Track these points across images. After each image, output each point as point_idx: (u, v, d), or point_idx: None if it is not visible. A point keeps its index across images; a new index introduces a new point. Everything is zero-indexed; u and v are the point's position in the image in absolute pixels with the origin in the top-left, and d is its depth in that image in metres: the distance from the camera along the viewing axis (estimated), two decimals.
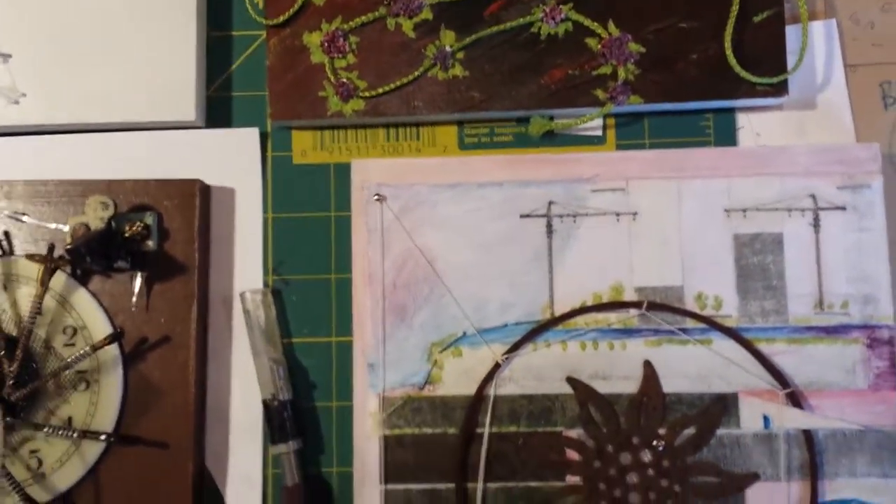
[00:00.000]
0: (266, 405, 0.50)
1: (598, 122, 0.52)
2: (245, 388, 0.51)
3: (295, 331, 0.52)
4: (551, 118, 0.52)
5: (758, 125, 0.52)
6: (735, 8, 0.49)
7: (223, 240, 0.53)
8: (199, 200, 0.52)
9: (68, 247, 0.47)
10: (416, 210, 0.51)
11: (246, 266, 0.53)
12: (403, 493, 0.48)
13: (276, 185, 0.54)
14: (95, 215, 0.51)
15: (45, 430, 0.49)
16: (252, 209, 0.54)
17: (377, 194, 0.51)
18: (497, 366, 0.49)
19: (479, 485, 0.48)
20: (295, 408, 0.51)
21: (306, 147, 0.54)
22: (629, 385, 0.49)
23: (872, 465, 0.47)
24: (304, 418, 0.51)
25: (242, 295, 0.51)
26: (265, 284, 0.53)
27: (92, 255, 0.49)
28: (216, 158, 0.54)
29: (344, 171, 0.53)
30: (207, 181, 0.53)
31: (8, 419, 0.48)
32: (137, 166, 0.53)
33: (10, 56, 0.53)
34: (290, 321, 0.53)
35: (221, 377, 0.52)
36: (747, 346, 0.48)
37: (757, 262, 0.49)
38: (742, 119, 0.52)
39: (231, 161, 0.54)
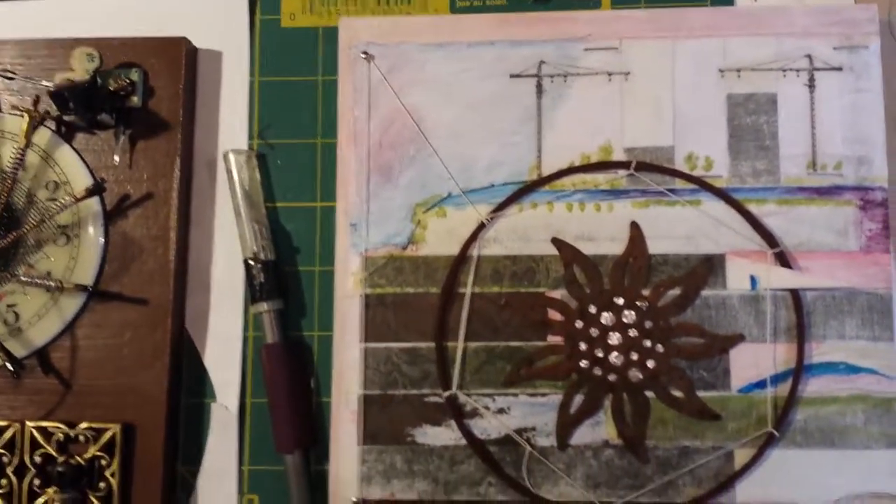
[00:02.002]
0: (247, 264, 0.50)
1: None
2: (227, 250, 0.51)
3: (279, 195, 0.52)
4: None
5: None
6: None
7: (209, 102, 0.53)
8: (185, 59, 0.51)
9: (51, 89, 0.47)
10: (404, 70, 0.50)
11: (231, 129, 0.52)
12: (384, 352, 0.48)
13: (265, 49, 0.53)
14: (82, 67, 0.50)
15: (24, 278, 0.48)
16: (239, 72, 0.53)
17: (364, 52, 0.50)
18: (482, 226, 0.48)
19: (460, 343, 0.47)
20: (278, 271, 0.50)
21: (295, 10, 0.53)
22: (615, 246, 0.48)
23: (862, 327, 0.46)
24: (287, 282, 0.51)
25: (226, 155, 0.51)
26: (250, 148, 0.52)
27: (76, 103, 0.48)
28: (204, 21, 0.53)
29: (333, 34, 0.52)
30: (196, 44, 0.52)
31: None
32: (126, 28, 0.52)
33: None
34: (274, 185, 0.52)
35: (204, 238, 0.51)
36: (737, 206, 0.47)
37: (750, 122, 0.48)
38: None
39: (219, 24, 0.53)
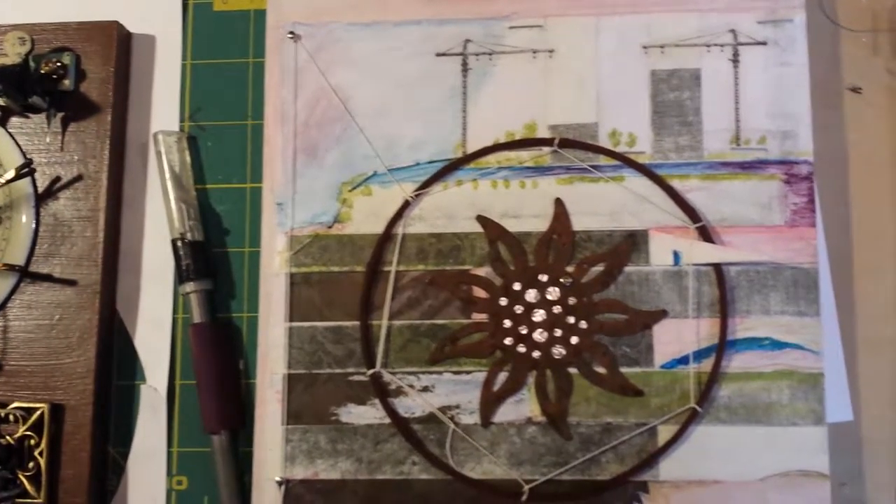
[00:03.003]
0: (174, 245, 0.49)
1: None
2: (159, 232, 0.51)
3: (210, 177, 0.52)
4: None
5: None
6: None
7: (142, 86, 0.53)
8: (116, 43, 0.51)
9: None
10: (331, 49, 0.50)
11: (164, 112, 0.53)
12: (308, 331, 0.48)
13: (197, 32, 0.53)
14: (13, 51, 0.50)
15: None
16: (171, 56, 0.53)
17: (291, 33, 0.50)
18: (406, 204, 0.48)
19: (384, 322, 0.47)
20: (206, 252, 0.50)
21: None
22: (539, 223, 0.47)
23: (787, 302, 0.46)
24: (217, 263, 0.51)
25: (155, 136, 0.51)
26: (181, 130, 0.52)
27: (7, 87, 0.48)
28: (139, 6, 0.53)
29: (264, 17, 0.52)
30: (130, 29, 0.53)
31: None
32: (61, 14, 0.53)
33: None
34: (205, 167, 0.52)
35: (135, 220, 0.52)
36: (660, 182, 0.47)
37: (673, 98, 0.48)
38: None
39: (153, 9, 0.53)
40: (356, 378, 0.47)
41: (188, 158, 0.52)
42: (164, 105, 0.53)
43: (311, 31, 0.50)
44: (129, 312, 0.51)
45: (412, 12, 0.49)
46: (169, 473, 0.49)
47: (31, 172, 0.49)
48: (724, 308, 0.45)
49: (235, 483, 0.48)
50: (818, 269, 0.46)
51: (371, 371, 0.47)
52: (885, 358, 0.46)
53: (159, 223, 0.51)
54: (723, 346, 0.45)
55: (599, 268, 0.47)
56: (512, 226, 0.48)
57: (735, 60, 0.48)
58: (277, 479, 0.47)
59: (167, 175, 0.50)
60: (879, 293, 0.47)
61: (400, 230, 0.48)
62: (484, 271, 0.47)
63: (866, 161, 0.48)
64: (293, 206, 0.49)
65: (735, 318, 0.46)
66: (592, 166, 0.47)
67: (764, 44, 0.47)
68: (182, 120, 0.53)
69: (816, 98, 0.48)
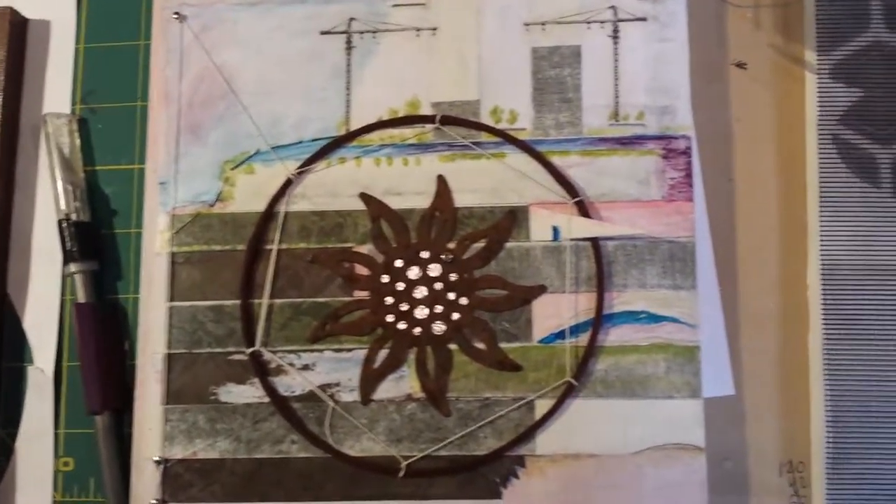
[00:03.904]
0: (60, 225, 0.49)
1: None
2: (49, 215, 0.51)
3: (100, 158, 0.52)
4: None
5: None
6: None
7: (37, 70, 0.53)
8: (9, 28, 0.51)
9: None
10: (216, 29, 0.50)
11: (56, 95, 0.52)
12: (189, 310, 0.47)
13: (92, 16, 0.53)
14: None
15: None
16: (66, 40, 0.53)
17: (176, 13, 0.50)
18: (289, 182, 0.48)
19: (265, 300, 0.47)
20: (92, 232, 0.50)
21: None
22: (422, 200, 0.47)
23: (664, 276, 0.45)
24: (105, 244, 0.51)
25: (44, 118, 0.51)
26: (73, 113, 0.52)
27: None
28: None
29: None
30: (26, 15, 0.53)
31: None
32: None
33: None
34: (95, 149, 0.52)
35: (27, 202, 0.51)
36: (540, 158, 0.47)
37: (554, 75, 0.48)
38: None
39: None
40: (236, 357, 0.47)
41: (77, 141, 0.51)
42: (57, 88, 0.53)
43: (197, 11, 0.50)
44: (18, 294, 0.50)
45: None
46: (56, 455, 0.49)
47: None
48: (600, 282, 0.45)
49: (118, 463, 0.47)
50: (695, 243, 0.46)
51: (250, 350, 0.47)
52: (768, 333, 0.46)
53: (50, 205, 0.51)
54: (599, 320, 0.45)
55: (481, 244, 0.47)
56: (395, 203, 0.47)
57: (615, 37, 0.48)
58: (156, 458, 0.46)
59: (55, 156, 0.50)
60: (762, 268, 0.47)
61: (282, 208, 0.48)
62: (366, 249, 0.47)
63: (751, 136, 0.48)
64: (176, 185, 0.48)
65: (612, 292, 0.45)
66: (474, 143, 0.47)
67: (644, 20, 0.48)
68: (74, 103, 0.52)
69: (701, 74, 0.48)
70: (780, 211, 0.47)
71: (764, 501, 0.45)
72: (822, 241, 0.45)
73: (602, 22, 0.48)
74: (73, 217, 0.49)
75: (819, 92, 0.46)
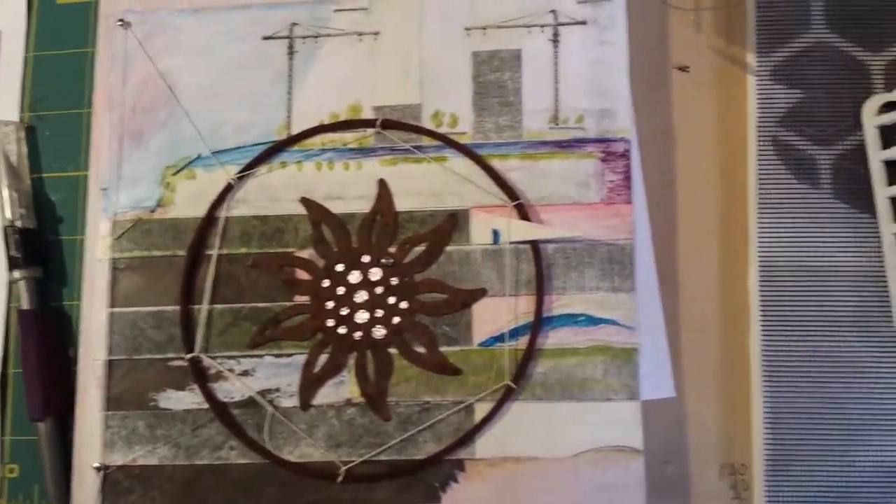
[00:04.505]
0: (4, 232, 0.49)
1: None
2: None
3: (47, 166, 0.52)
4: None
5: None
6: None
7: None
8: None
9: None
10: (160, 36, 0.50)
11: (5, 104, 0.53)
12: (130, 316, 0.47)
13: (41, 25, 0.53)
14: None
15: None
16: (15, 49, 0.53)
17: (121, 20, 0.50)
18: (230, 187, 0.48)
19: (205, 305, 0.47)
20: (36, 239, 0.50)
21: None
22: (364, 204, 0.47)
23: (602, 279, 0.45)
24: (51, 251, 0.50)
25: None
26: (22, 121, 0.52)
27: None
28: None
29: None
30: None
31: None
32: None
33: None
34: (43, 156, 0.52)
35: None
36: (480, 162, 0.47)
37: (494, 79, 0.48)
38: None
39: None
40: (176, 363, 0.47)
41: (25, 148, 0.51)
42: (5, 96, 0.53)
43: (141, 18, 0.50)
44: None
45: None
46: (2, 461, 0.49)
47: None
48: (540, 285, 0.45)
49: (61, 470, 0.47)
50: (634, 246, 0.45)
51: (190, 356, 0.46)
52: (709, 335, 0.46)
53: None
54: (538, 323, 0.45)
55: (421, 248, 0.47)
56: (336, 207, 0.47)
57: (555, 41, 0.48)
58: (96, 465, 0.46)
59: (1, 164, 0.50)
60: (704, 270, 0.47)
61: (223, 213, 0.48)
62: (307, 253, 0.47)
63: (693, 139, 0.48)
64: (118, 191, 0.48)
65: (552, 295, 0.45)
66: (415, 147, 0.47)
67: (584, 23, 0.48)
68: (23, 110, 0.52)
69: (644, 77, 0.48)
70: (722, 213, 0.47)
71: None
72: (760, 242, 0.45)
73: (542, 26, 0.48)
74: (19, 224, 0.49)
75: (759, 94, 0.46)
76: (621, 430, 0.44)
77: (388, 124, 0.48)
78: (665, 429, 0.45)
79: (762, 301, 0.44)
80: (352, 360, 0.46)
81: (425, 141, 0.48)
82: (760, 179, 0.45)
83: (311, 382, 0.46)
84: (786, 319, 0.44)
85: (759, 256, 0.45)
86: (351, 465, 0.45)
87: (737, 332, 0.45)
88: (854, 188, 0.45)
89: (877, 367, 0.43)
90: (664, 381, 0.46)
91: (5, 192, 0.50)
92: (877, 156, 0.44)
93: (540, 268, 0.45)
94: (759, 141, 0.46)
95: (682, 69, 0.49)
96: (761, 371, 0.44)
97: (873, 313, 0.43)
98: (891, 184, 0.44)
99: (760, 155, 0.46)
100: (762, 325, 0.44)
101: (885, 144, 0.44)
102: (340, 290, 0.47)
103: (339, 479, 0.45)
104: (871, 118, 0.45)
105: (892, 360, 0.43)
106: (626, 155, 0.46)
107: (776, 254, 0.45)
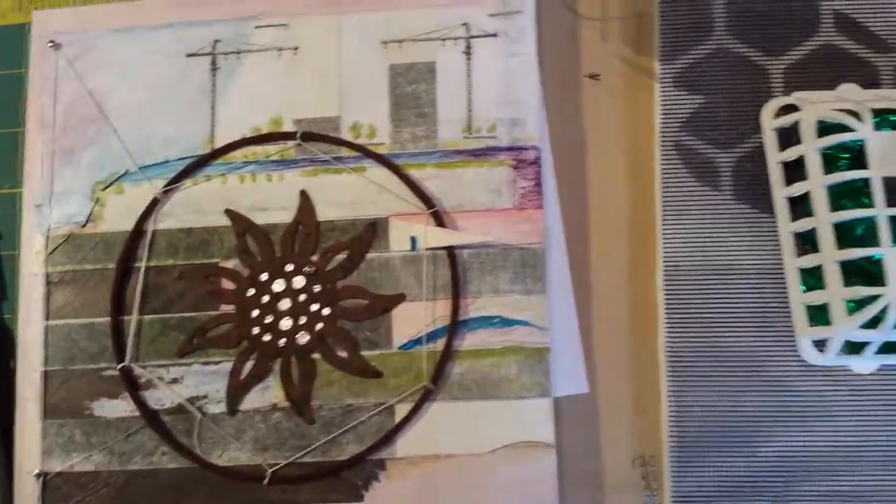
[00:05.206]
0: None
1: None
2: None
3: None
4: None
5: None
6: None
7: None
8: None
9: None
10: (90, 56, 0.51)
11: None
12: (64, 328, 0.49)
13: None
14: None
15: None
16: None
17: (52, 42, 0.51)
18: (156, 201, 0.49)
19: (134, 316, 0.48)
20: None
21: (6, 9, 0.55)
22: (286, 215, 0.49)
23: (515, 282, 0.47)
24: None
25: None
26: None
27: None
28: None
29: None
30: None
31: None
32: None
33: None
34: None
35: None
36: (398, 171, 0.49)
37: (410, 90, 0.49)
38: None
39: None
40: (108, 373, 0.48)
41: None
42: None
43: (71, 39, 0.52)
44: None
45: (165, 16, 0.51)
46: None
47: None
48: (456, 289, 0.47)
49: (4, 478, 0.49)
50: (545, 249, 0.47)
51: (121, 365, 0.48)
52: (621, 333, 0.48)
53: None
54: (455, 325, 0.47)
55: (343, 255, 0.48)
56: (259, 218, 0.49)
57: (468, 53, 0.49)
58: (35, 472, 0.48)
59: None
60: (615, 271, 0.49)
61: (150, 226, 0.49)
62: (232, 263, 0.49)
63: (604, 145, 0.50)
64: (50, 207, 0.50)
65: (467, 298, 0.47)
66: (335, 158, 0.49)
67: (495, 35, 0.49)
68: None
69: (555, 86, 0.50)
70: (631, 216, 0.49)
71: (618, 495, 0.46)
72: (665, 243, 0.47)
73: (455, 39, 0.50)
74: None
75: (662, 100, 0.48)
76: (534, 427, 0.46)
77: (308, 137, 0.49)
78: (580, 424, 0.47)
79: (667, 299, 0.46)
80: (277, 367, 0.48)
81: (345, 152, 0.49)
82: (664, 183, 0.47)
83: (237, 389, 0.48)
84: (689, 316, 0.46)
85: (664, 257, 0.47)
86: (277, 467, 0.47)
87: (646, 330, 0.47)
88: (753, 189, 0.47)
89: (776, 361, 0.45)
90: (578, 378, 0.47)
91: None
92: (775, 157, 0.46)
93: (455, 272, 0.47)
94: (663, 146, 0.48)
95: (593, 77, 0.51)
96: (666, 365, 0.46)
97: (772, 309, 0.45)
98: (788, 184, 0.46)
99: (664, 159, 0.47)
100: (667, 323, 0.46)
101: (783, 146, 0.46)
102: (265, 299, 0.48)
103: (266, 481, 0.46)
104: (770, 121, 0.47)
105: (790, 354, 0.45)
106: (536, 162, 0.48)
107: (680, 254, 0.47)
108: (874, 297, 0.41)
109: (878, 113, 0.44)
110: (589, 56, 0.51)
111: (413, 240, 0.48)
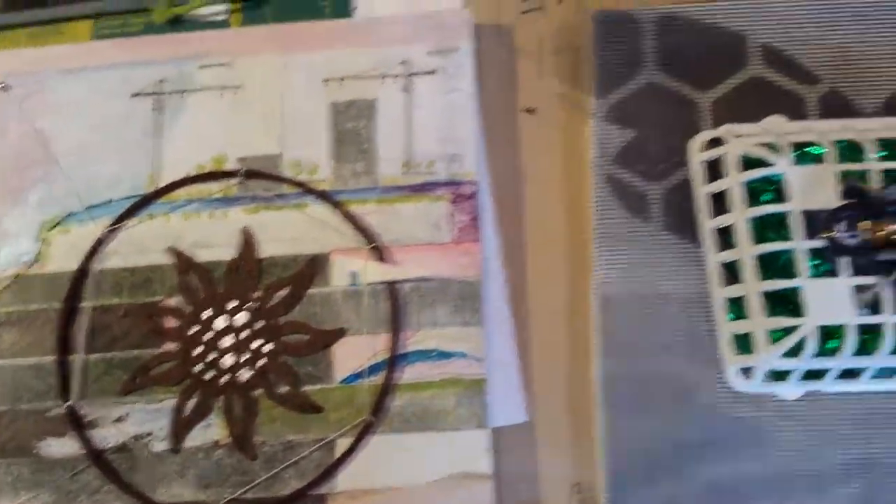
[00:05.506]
0: None
1: (223, 7, 0.54)
2: None
3: None
4: (173, 4, 0.53)
5: (377, 4, 0.53)
6: None
7: None
8: None
9: None
10: (37, 96, 0.52)
11: None
12: (10, 368, 0.49)
13: None
14: None
15: None
16: None
17: (2, 83, 0.52)
18: (100, 240, 0.50)
19: (79, 356, 0.49)
20: None
21: None
22: (229, 252, 0.50)
23: (454, 314, 0.48)
24: None
25: None
26: None
27: None
28: None
29: None
30: None
31: None
32: None
33: None
34: None
35: None
36: (339, 207, 0.49)
37: (351, 127, 0.50)
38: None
39: None
40: (54, 412, 0.49)
41: None
42: None
43: (22, 80, 0.52)
44: None
45: (111, 57, 0.52)
46: None
47: None
48: (395, 323, 0.48)
49: None
50: (482, 282, 0.48)
51: (66, 404, 0.48)
52: (558, 362, 0.49)
53: None
54: (394, 359, 0.47)
55: (285, 291, 0.49)
56: (203, 256, 0.50)
57: (407, 90, 0.50)
58: None
59: None
60: (552, 301, 0.49)
61: (95, 266, 0.50)
62: (175, 301, 0.50)
63: (541, 178, 0.51)
64: None
65: (407, 331, 0.48)
66: (277, 195, 0.50)
67: (433, 73, 0.50)
68: None
69: (493, 120, 0.51)
70: (567, 248, 0.50)
71: None
72: (597, 273, 0.48)
73: (395, 76, 0.51)
74: None
75: (595, 134, 0.49)
76: (471, 458, 0.46)
77: (250, 174, 0.50)
78: (519, 453, 0.48)
79: (601, 328, 0.47)
80: (219, 404, 0.48)
81: (286, 189, 0.50)
82: (597, 214, 0.48)
83: (181, 426, 0.48)
84: (621, 345, 0.47)
85: (596, 287, 0.48)
86: None
87: (583, 359, 0.48)
88: (683, 220, 0.48)
89: (705, 388, 0.46)
90: (516, 407, 0.48)
91: None
92: (702, 189, 0.47)
93: (395, 306, 0.48)
94: (596, 178, 0.49)
95: (530, 111, 0.52)
96: (600, 395, 0.47)
97: (700, 336, 0.46)
98: (715, 216, 0.47)
99: (597, 192, 0.49)
100: (602, 352, 0.47)
101: (712, 178, 0.47)
102: (208, 336, 0.49)
103: None
104: (697, 154, 0.48)
105: (718, 380, 0.46)
106: (473, 196, 0.49)
107: (612, 284, 0.48)
108: (795, 327, 0.42)
109: (798, 147, 0.45)
110: (526, 91, 0.52)
111: (354, 275, 0.49)
